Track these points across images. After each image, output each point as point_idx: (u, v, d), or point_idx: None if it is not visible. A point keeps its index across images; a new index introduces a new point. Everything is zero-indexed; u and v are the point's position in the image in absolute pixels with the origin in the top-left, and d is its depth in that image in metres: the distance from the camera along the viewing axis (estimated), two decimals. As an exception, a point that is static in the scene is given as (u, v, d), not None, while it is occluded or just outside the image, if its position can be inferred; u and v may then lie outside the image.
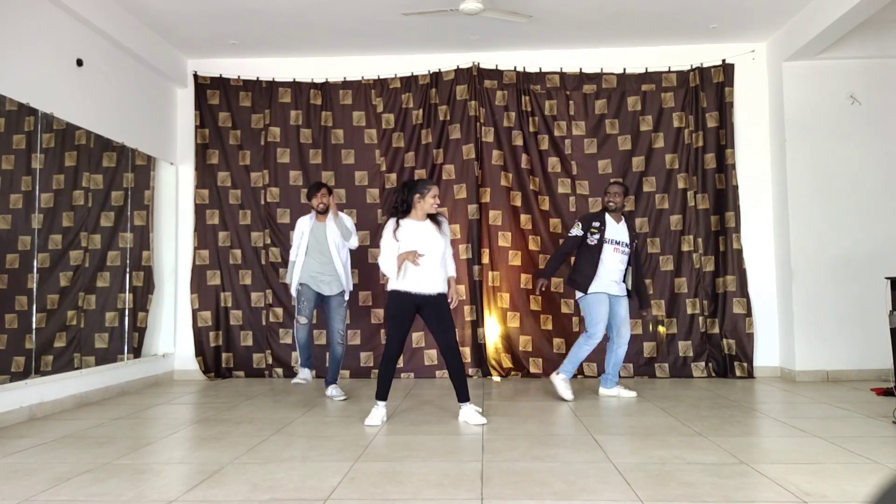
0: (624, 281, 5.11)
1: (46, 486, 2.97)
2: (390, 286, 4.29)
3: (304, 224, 5.30)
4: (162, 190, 6.52)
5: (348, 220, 5.30)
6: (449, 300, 4.36)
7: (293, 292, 5.30)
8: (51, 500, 2.79)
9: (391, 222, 4.30)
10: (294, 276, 5.24)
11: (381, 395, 4.29)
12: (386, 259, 4.21)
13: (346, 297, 5.32)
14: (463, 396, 4.30)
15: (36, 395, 4.68)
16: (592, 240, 5.03)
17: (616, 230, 5.08)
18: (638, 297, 5.25)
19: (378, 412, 4.28)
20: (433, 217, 4.34)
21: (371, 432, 4.01)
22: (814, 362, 5.97)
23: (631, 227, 5.19)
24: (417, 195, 4.27)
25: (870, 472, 3.07)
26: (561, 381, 5.06)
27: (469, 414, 4.26)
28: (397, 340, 4.24)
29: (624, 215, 5.19)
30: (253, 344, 6.50)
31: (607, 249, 5.02)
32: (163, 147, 6.49)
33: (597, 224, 5.05)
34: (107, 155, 5.71)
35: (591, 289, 5.00)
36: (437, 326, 4.26)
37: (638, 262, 5.30)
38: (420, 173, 6.51)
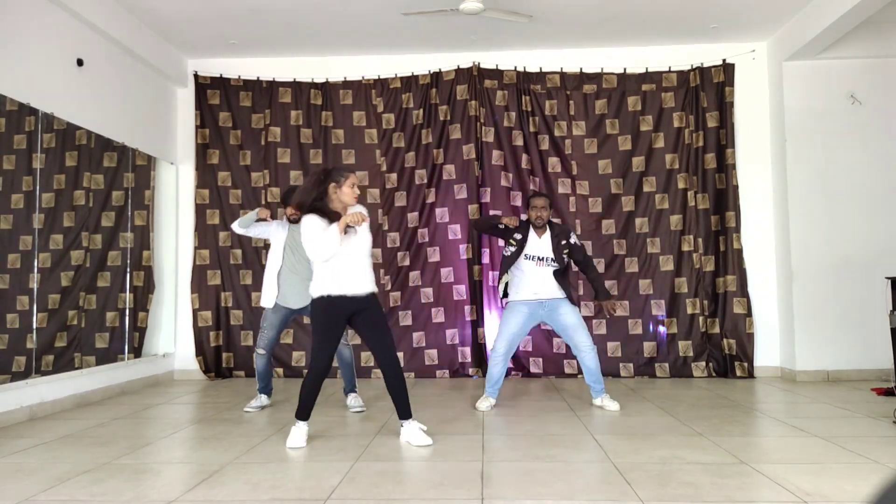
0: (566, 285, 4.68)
1: (46, 486, 2.97)
2: (317, 292, 3.68)
3: (278, 231, 4.81)
4: (162, 190, 6.52)
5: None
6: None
7: (237, 227, 4.78)
8: (51, 500, 2.79)
9: (315, 219, 3.61)
10: (267, 293, 4.76)
11: (305, 414, 3.71)
12: (323, 241, 3.56)
13: None
14: (405, 413, 3.76)
15: (36, 395, 4.68)
16: (507, 250, 4.70)
17: (538, 246, 4.68)
18: (595, 290, 4.86)
19: (300, 431, 3.71)
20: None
21: (297, 450, 3.59)
22: (814, 362, 5.97)
23: (558, 239, 4.71)
24: (333, 184, 3.66)
25: (870, 472, 3.07)
26: (482, 399, 4.76)
27: (413, 433, 3.72)
28: (330, 354, 3.68)
29: (551, 226, 4.77)
30: (253, 344, 6.50)
31: (527, 263, 4.65)
32: (163, 147, 6.49)
33: (518, 236, 4.68)
34: (107, 155, 5.71)
35: (510, 297, 4.71)
36: (373, 331, 3.73)
37: (589, 266, 4.86)
38: (420, 173, 6.52)
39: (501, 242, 4.84)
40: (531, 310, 4.68)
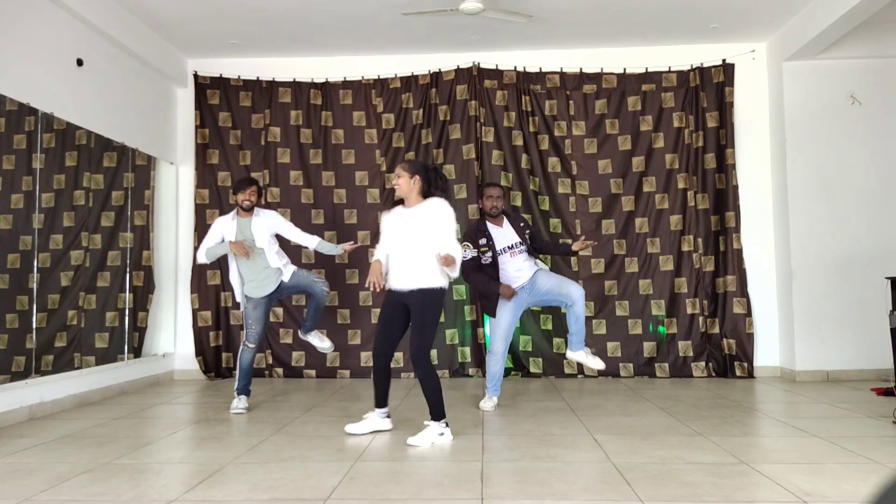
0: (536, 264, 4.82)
1: (46, 486, 2.97)
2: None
3: (225, 225, 4.85)
4: (162, 190, 6.52)
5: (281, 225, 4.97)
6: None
7: (204, 259, 4.84)
8: (51, 500, 2.79)
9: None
10: (237, 289, 4.92)
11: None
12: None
13: (294, 269, 4.91)
14: (433, 414, 3.81)
15: (36, 395, 4.68)
16: (486, 258, 4.65)
17: (502, 235, 4.71)
18: (561, 253, 5.03)
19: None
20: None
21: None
22: (814, 362, 5.97)
23: (516, 221, 4.81)
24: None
25: (870, 472, 3.07)
26: (486, 400, 4.76)
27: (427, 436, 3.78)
28: (379, 342, 3.96)
29: (506, 214, 4.81)
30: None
31: (503, 259, 4.68)
32: (163, 147, 6.49)
33: (483, 241, 4.67)
34: (107, 155, 5.71)
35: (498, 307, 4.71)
36: (411, 328, 3.91)
37: (544, 241, 5.00)
38: (420, 173, 6.51)
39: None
40: (515, 300, 4.72)
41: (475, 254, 4.66)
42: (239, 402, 4.75)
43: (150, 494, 2.84)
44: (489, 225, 4.76)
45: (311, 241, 5.02)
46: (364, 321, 6.47)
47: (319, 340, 5.05)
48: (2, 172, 4.64)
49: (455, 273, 3.82)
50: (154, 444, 3.80)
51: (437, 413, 3.77)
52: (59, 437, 4.00)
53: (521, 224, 4.84)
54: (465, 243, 4.66)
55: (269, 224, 4.88)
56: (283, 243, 5.08)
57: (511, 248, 4.73)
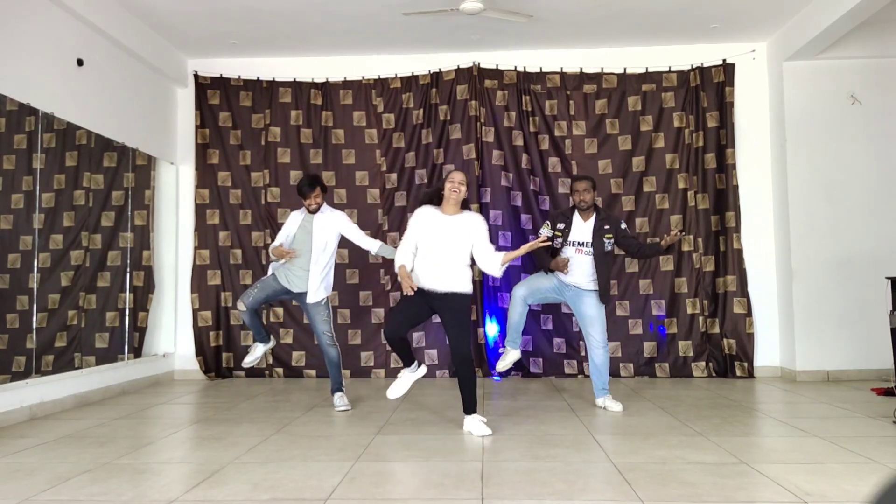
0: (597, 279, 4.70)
1: (47, 486, 2.98)
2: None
3: (295, 218, 4.86)
4: (162, 190, 6.52)
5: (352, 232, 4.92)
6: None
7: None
8: (51, 500, 2.79)
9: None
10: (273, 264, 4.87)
11: (407, 361, 4.16)
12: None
13: (322, 300, 4.80)
14: (467, 408, 4.03)
15: (36, 395, 4.68)
16: (557, 243, 4.66)
17: (580, 230, 4.66)
18: (655, 253, 4.89)
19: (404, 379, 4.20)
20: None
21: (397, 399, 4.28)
22: (814, 362, 5.97)
23: (602, 223, 4.66)
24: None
25: (870, 472, 3.07)
26: (502, 359, 4.84)
27: (473, 424, 3.98)
28: (396, 317, 4.10)
29: (597, 210, 4.74)
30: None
31: (568, 251, 4.65)
32: (163, 147, 6.49)
33: (562, 226, 4.67)
34: (107, 155, 5.71)
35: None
36: (445, 328, 4.08)
37: (638, 246, 4.79)
38: (420, 173, 6.52)
39: (543, 232, 4.73)
40: (560, 284, 4.69)
41: (550, 234, 4.67)
42: (254, 351, 4.99)
43: (150, 494, 2.84)
44: (576, 215, 4.72)
45: (372, 246, 4.89)
46: (364, 321, 6.48)
47: (341, 400, 4.79)
48: (2, 172, 4.64)
49: (499, 273, 4.08)
50: (154, 444, 3.80)
51: (475, 405, 4.03)
52: (59, 437, 4.00)
53: (606, 227, 4.66)
54: (546, 221, 4.80)
55: (331, 224, 4.80)
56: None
57: (581, 244, 4.65)
